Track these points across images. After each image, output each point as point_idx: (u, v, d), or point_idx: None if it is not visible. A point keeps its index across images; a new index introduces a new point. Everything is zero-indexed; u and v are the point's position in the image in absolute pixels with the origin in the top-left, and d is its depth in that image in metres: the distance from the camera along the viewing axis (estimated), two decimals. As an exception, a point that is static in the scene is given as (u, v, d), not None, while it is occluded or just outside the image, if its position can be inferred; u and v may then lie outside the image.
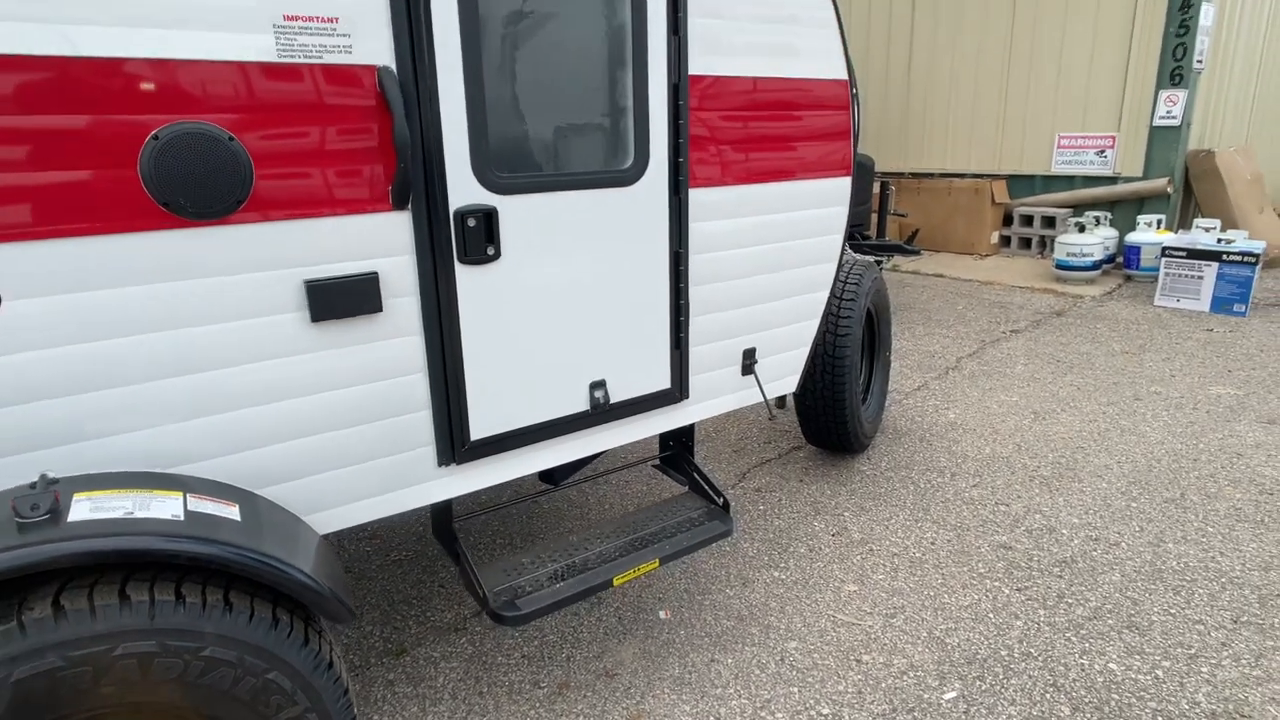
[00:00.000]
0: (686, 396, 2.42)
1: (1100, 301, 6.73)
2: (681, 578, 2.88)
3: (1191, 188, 7.98)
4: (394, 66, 1.67)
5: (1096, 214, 7.62)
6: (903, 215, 6.72)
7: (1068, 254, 7.18)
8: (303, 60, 1.57)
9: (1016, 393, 4.64)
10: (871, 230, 6.37)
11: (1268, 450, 3.81)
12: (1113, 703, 2.25)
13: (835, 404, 3.33)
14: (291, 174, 1.60)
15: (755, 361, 2.58)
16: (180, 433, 1.61)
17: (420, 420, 1.91)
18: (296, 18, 1.55)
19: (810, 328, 2.76)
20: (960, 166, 9.00)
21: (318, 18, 1.57)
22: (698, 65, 2.16)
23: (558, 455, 2.19)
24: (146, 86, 1.42)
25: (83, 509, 1.37)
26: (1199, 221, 6.92)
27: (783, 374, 2.72)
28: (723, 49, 2.21)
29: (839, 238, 2.75)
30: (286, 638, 1.52)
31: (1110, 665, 2.41)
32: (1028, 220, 8.45)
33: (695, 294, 2.34)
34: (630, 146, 2.10)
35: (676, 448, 2.71)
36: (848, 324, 3.25)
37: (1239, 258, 6.19)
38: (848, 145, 2.66)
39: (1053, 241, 7.88)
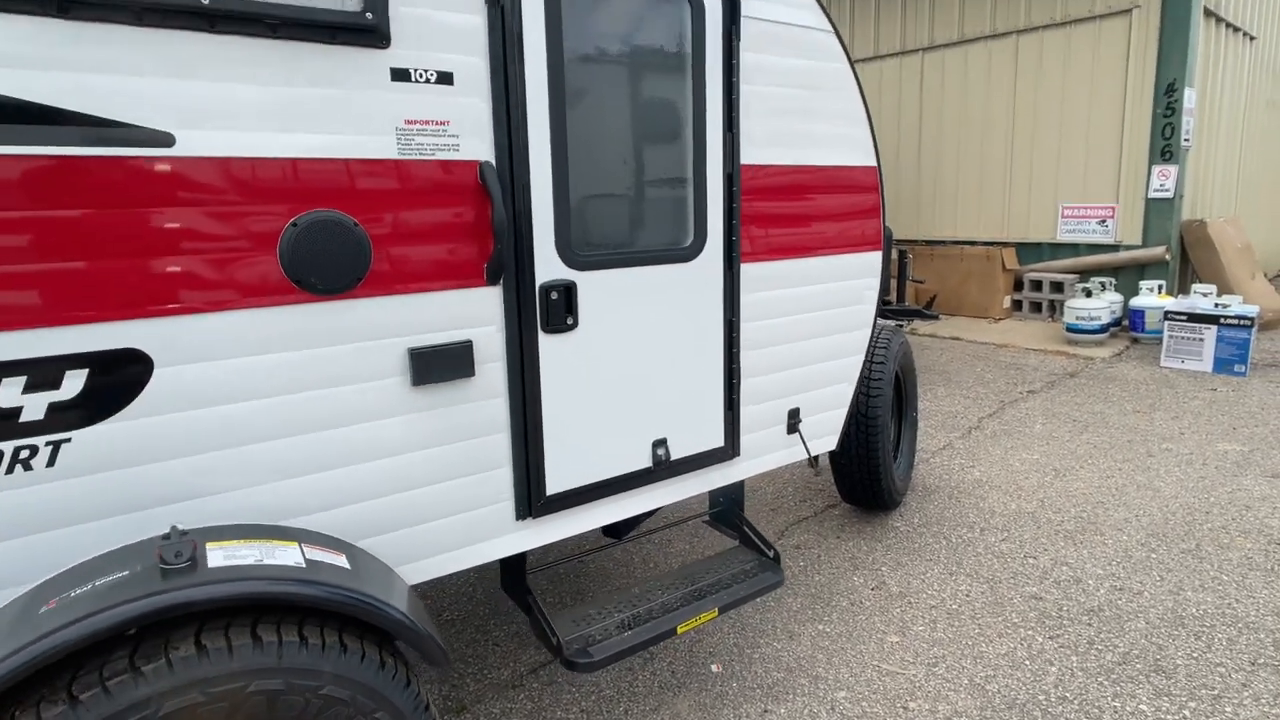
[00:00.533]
0: (738, 454, 2.51)
1: (1110, 363, 6.80)
2: (730, 632, 2.90)
3: (1188, 255, 8.13)
4: (494, 161, 1.84)
5: (1102, 280, 7.75)
6: (920, 282, 6.89)
7: (1077, 318, 7.28)
8: (418, 157, 1.74)
9: (1037, 451, 4.68)
10: (892, 296, 6.50)
11: (1273, 503, 3.84)
12: (1159, 752, 2.24)
13: (869, 461, 3.40)
14: (403, 254, 1.75)
15: (799, 421, 2.67)
16: (291, 489, 1.71)
17: (502, 476, 2.01)
18: (415, 121, 1.72)
19: (848, 389, 2.86)
20: (971, 234, 9.22)
21: (433, 121, 1.74)
22: (748, 156, 2.33)
23: (623, 509, 2.27)
24: (290, 181, 1.59)
25: (218, 557, 1.47)
26: (1196, 287, 7.03)
27: (824, 433, 2.81)
28: (770, 141, 2.38)
29: (872, 307, 2.88)
30: (392, 679, 1.58)
31: (1141, 707, 2.42)
32: (1037, 285, 8.59)
33: (746, 358, 2.46)
34: (690, 227, 2.25)
35: (727, 503, 2.79)
36: (879, 385, 3.34)
37: (1235, 321, 6.28)
38: (878, 223, 2.82)
39: (1062, 305, 8.00)
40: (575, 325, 2.04)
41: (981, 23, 8.84)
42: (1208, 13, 8.01)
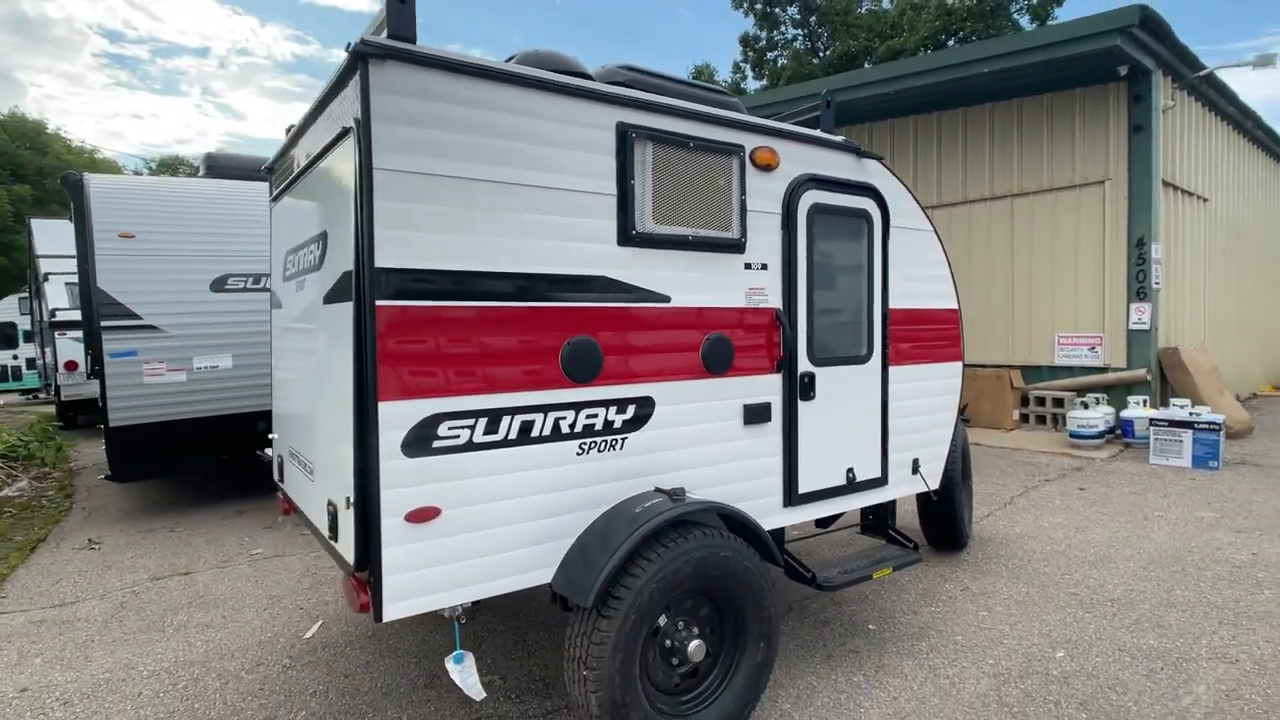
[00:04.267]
0: (887, 483, 4.24)
1: (1108, 462, 8.65)
2: (871, 610, 4.52)
3: (1166, 376, 10.18)
4: (782, 308, 3.69)
5: (1095, 395, 9.73)
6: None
7: (1078, 426, 9.19)
8: (752, 305, 3.59)
9: (1060, 516, 6.42)
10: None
11: (1237, 546, 5.62)
12: (1157, 655, 3.87)
13: (950, 505, 5.13)
14: (745, 356, 3.56)
15: (920, 466, 4.42)
16: (697, 474, 3.42)
17: (777, 480, 3.73)
18: (753, 289, 3.58)
19: (945, 449, 4.63)
20: (981, 359, 11.29)
21: (759, 288, 3.60)
22: (892, 303, 4.23)
23: (831, 509, 3.98)
24: (706, 318, 3.42)
25: (701, 495, 3.16)
26: (1174, 401, 9.01)
27: (931, 475, 4.55)
28: (903, 295, 4.29)
29: (957, 396, 4.70)
30: (764, 569, 3.24)
31: (1149, 641, 4.07)
32: (1041, 401, 10.57)
33: (892, 423, 4.24)
34: (864, 343, 4.11)
35: (874, 519, 4.49)
36: (953, 452, 5.11)
37: (1207, 426, 8.20)
38: (959, 344, 4.70)
39: (1063, 418, 9.92)
40: (815, 397, 3.83)
41: (981, 188, 11.32)
42: (1166, 183, 10.48)
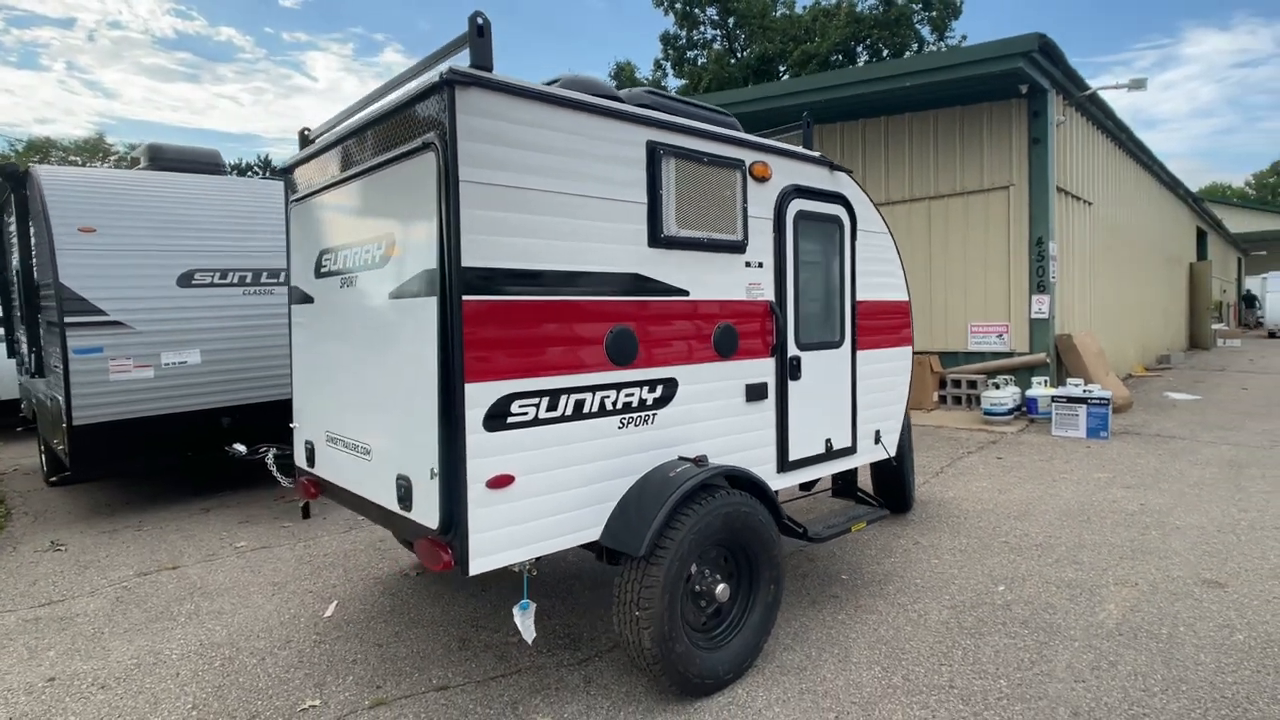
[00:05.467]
0: (856, 451, 4.90)
1: (1018, 435, 9.73)
2: (841, 564, 5.18)
3: (1061, 359, 11.43)
4: (775, 301, 4.27)
5: (1004, 377, 10.84)
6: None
7: (991, 404, 10.26)
8: (751, 299, 4.14)
9: (985, 481, 7.31)
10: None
11: (1128, 499, 6.63)
12: (1076, 584, 4.69)
13: (901, 470, 5.87)
14: (746, 341, 4.11)
15: (881, 437, 5.11)
16: (711, 444, 3.95)
17: (772, 450, 4.31)
18: (752, 284, 4.14)
19: (900, 422, 5.34)
20: (901, 345, 12.29)
21: (757, 283, 4.16)
22: (861, 296, 4.88)
23: (814, 474, 4.60)
24: (719, 309, 3.95)
25: (714, 462, 3.70)
26: (1069, 380, 10.19)
27: (890, 445, 5.25)
28: (866, 289, 4.95)
29: (909, 376, 5.42)
30: (774, 522, 3.81)
31: (1069, 574, 4.88)
32: (956, 383, 11.64)
33: (860, 399, 4.90)
34: (838, 330, 4.74)
35: (844, 484, 5.15)
36: (903, 426, 5.85)
37: (1098, 402, 9.37)
38: (909, 331, 5.42)
39: (977, 398, 11.00)
40: (801, 377, 4.43)
41: (902, 190, 12.33)
42: (1060, 189, 11.71)
